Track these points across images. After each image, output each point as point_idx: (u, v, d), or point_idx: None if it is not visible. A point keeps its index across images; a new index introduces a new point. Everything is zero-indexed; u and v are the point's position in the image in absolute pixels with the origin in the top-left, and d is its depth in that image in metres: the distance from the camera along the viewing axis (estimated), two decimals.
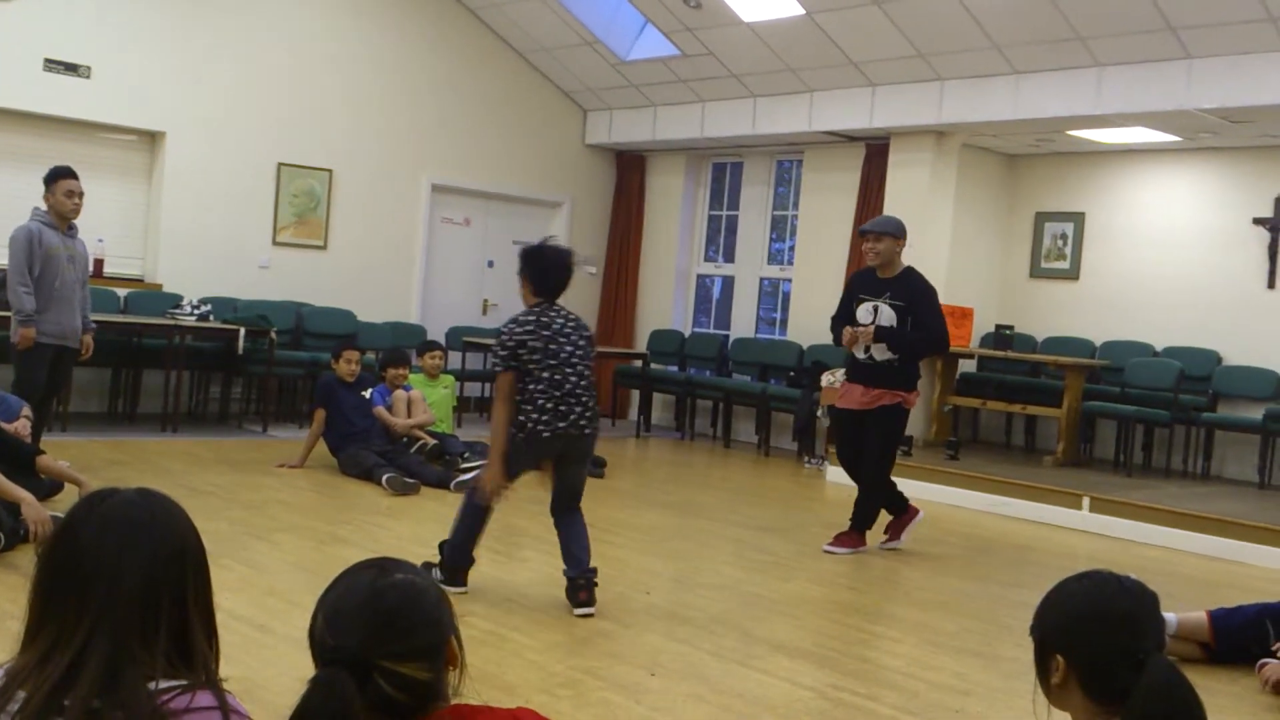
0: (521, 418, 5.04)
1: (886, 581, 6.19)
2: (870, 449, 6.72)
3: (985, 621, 5.43)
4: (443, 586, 5.08)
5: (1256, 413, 9.58)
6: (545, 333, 5.09)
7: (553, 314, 5.17)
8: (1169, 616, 4.60)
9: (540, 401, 5.03)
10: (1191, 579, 6.69)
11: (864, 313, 6.73)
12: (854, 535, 6.74)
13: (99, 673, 1.53)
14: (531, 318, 5.13)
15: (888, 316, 6.63)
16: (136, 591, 1.59)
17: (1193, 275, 10.45)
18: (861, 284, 6.88)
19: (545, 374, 5.05)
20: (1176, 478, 9.73)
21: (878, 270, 6.78)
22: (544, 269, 5.21)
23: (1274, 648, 4.58)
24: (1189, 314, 10.40)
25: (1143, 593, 2.04)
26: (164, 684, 1.56)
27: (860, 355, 6.72)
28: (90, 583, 1.59)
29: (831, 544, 6.71)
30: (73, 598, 1.59)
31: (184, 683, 1.57)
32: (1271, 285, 9.99)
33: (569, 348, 5.13)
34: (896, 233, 6.71)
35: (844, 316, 6.85)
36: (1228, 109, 8.61)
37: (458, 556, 5.20)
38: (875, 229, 6.75)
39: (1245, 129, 9.32)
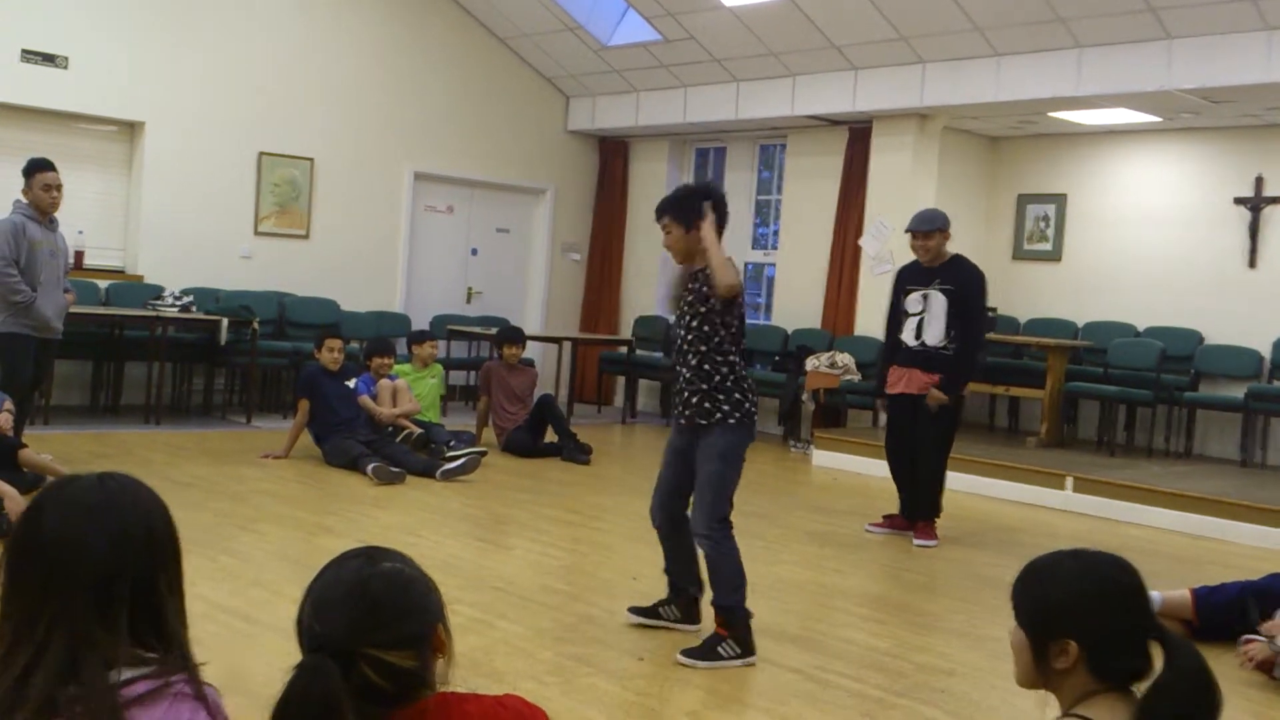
0: (739, 396, 4.42)
1: (871, 564, 6.20)
2: (928, 438, 6.69)
3: (969, 602, 5.46)
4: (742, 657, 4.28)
5: (1238, 391, 9.63)
6: None
7: None
8: (1153, 594, 4.59)
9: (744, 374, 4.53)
10: (1174, 557, 6.72)
11: (913, 302, 6.72)
12: (929, 526, 6.73)
13: (59, 660, 1.54)
14: None
15: (939, 302, 6.61)
16: (97, 575, 1.59)
17: (1174, 255, 10.48)
18: (909, 275, 6.86)
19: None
20: (1159, 457, 9.77)
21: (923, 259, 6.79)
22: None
23: (1257, 625, 4.61)
24: (1171, 294, 10.44)
25: (1133, 569, 2.04)
26: (128, 673, 1.55)
27: (911, 342, 6.69)
28: (52, 569, 1.59)
29: (917, 536, 6.70)
30: (36, 583, 1.60)
31: (150, 669, 1.57)
32: (1252, 265, 10.03)
33: None
34: (944, 226, 6.70)
35: (895, 314, 6.84)
36: (1208, 89, 8.63)
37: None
38: (924, 227, 6.68)
39: (1225, 109, 9.34)
